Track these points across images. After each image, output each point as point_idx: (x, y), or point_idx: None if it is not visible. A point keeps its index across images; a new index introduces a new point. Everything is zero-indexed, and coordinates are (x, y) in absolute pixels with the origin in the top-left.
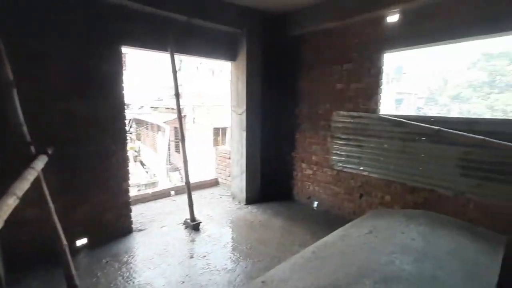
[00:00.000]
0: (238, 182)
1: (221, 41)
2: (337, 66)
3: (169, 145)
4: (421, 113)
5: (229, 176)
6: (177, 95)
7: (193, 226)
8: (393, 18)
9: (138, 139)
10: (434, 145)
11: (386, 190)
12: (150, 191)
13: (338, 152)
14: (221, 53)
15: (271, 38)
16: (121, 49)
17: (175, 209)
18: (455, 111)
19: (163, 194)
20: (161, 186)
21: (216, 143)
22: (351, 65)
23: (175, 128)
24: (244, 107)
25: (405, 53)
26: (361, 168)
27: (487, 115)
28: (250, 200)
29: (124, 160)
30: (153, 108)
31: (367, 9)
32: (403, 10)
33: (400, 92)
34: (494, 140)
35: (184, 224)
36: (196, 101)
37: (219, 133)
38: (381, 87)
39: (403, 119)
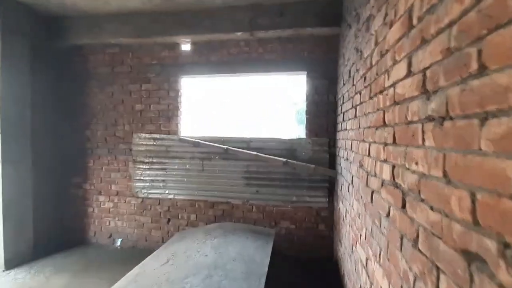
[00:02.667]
0: None
1: None
2: (135, 85)
3: None
4: (214, 134)
5: None
6: None
7: None
8: (186, 46)
9: None
10: (225, 162)
11: (191, 210)
12: None
13: (142, 178)
14: None
15: (49, 44)
16: None
17: None
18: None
19: None
20: None
21: None
22: (150, 85)
23: None
24: None
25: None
26: (167, 191)
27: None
28: (16, 262)
29: None
30: None
31: (160, 33)
32: (193, 41)
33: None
34: (263, 154)
35: None
36: None
37: None
38: (181, 109)
39: (200, 140)
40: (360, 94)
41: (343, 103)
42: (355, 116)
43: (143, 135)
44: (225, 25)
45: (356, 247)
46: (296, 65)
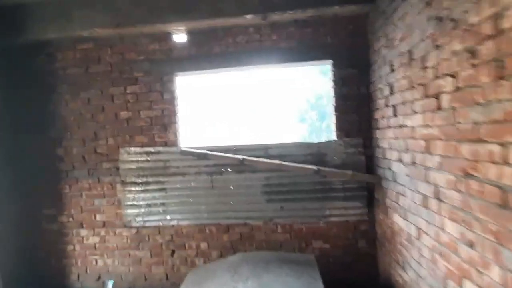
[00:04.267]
0: None
1: None
2: (118, 88)
3: None
4: (223, 143)
5: None
6: None
7: None
8: (180, 37)
9: None
10: (240, 175)
11: (201, 237)
12: None
13: (135, 203)
14: None
15: (2, 41)
16: None
17: None
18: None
19: None
20: None
21: None
22: (138, 87)
23: None
24: None
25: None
26: (168, 217)
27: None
28: None
29: None
30: None
31: (147, 20)
32: (190, 30)
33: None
34: (287, 163)
35: None
36: None
37: None
38: (178, 114)
39: (207, 150)
40: (455, 77)
41: (391, 94)
42: (439, 108)
43: (132, 149)
44: (231, 6)
45: (461, 285)
46: (319, 53)
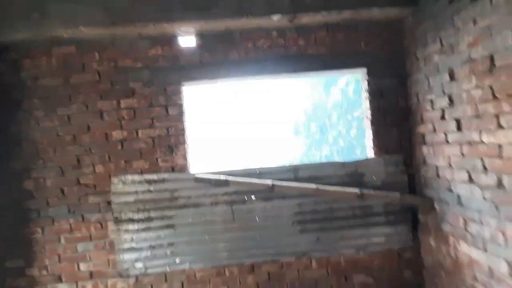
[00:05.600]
0: None
1: None
2: (110, 101)
3: None
4: (244, 166)
5: None
6: None
7: None
8: (189, 41)
9: None
10: (266, 203)
11: (219, 281)
12: None
13: (134, 245)
14: None
15: None
16: None
17: None
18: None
19: None
20: None
21: None
22: (135, 100)
23: None
24: None
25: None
26: (178, 260)
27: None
28: None
29: None
30: None
31: (150, 18)
32: (201, 31)
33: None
34: (326, 187)
35: None
36: None
37: None
38: (187, 133)
39: (226, 175)
40: None
41: (450, 105)
42: None
43: (129, 177)
44: (258, 5)
45: None
46: (352, 61)
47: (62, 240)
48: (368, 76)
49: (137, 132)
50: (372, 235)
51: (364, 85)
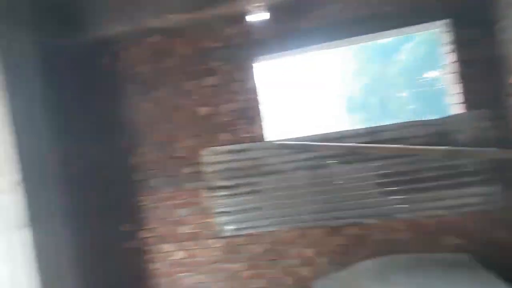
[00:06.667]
0: None
1: None
2: (194, 81)
3: None
4: (322, 131)
5: None
6: None
7: None
8: (260, 15)
9: None
10: (347, 166)
11: (304, 243)
12: None
13: (224, 209)
14: None
15: (60, 42)
16: None
17: None
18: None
19: None
20: None
21: None
22: (216, 78)
23: None
24: (16, 176)
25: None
26: (265, 222)
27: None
28: None
29: None
30: None
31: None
32: (271, 4)
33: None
34: (413, 146)
35: None
36: None
37: None
38: (263, 104)
39: (306, 141)
40: None
41: None
42: None
43: (217, 149)
44: None
45: None
46: (434, 11)
47: (164, 207)
48: (453, 27)
49: (218, 107)
50: (463, 195)
51: (447, 37)
